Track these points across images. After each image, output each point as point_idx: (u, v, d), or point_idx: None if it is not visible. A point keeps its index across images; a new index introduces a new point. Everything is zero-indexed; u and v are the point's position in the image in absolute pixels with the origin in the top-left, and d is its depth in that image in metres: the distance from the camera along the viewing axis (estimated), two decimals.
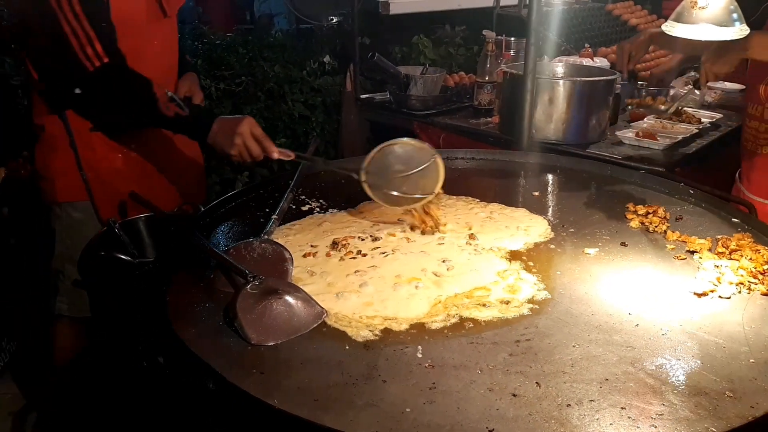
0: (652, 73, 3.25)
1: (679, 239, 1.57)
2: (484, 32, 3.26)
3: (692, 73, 3.53)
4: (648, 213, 1.69)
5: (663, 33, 2.16)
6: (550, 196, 1.93)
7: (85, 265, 1.63)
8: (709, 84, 3.28)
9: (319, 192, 1.87)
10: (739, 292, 1.33)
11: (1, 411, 2.10)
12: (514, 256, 1.49)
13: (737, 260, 1.44)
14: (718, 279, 1.36)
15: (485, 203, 1.79)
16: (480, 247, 1.52)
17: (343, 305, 1.26)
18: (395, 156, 1.67)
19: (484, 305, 1.26)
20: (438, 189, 1.66)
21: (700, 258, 1.47)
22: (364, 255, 1.47)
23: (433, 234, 1.58)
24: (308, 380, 1.04)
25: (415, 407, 0.97)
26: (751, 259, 1.43)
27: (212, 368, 1.03)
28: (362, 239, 1.54)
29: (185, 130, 1.95)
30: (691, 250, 1.51)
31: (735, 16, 2.03)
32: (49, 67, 1.93)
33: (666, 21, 2.14)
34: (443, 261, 1.44)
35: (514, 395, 1.00)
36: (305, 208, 1.77)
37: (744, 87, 2.80)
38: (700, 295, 1.32)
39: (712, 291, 1.33)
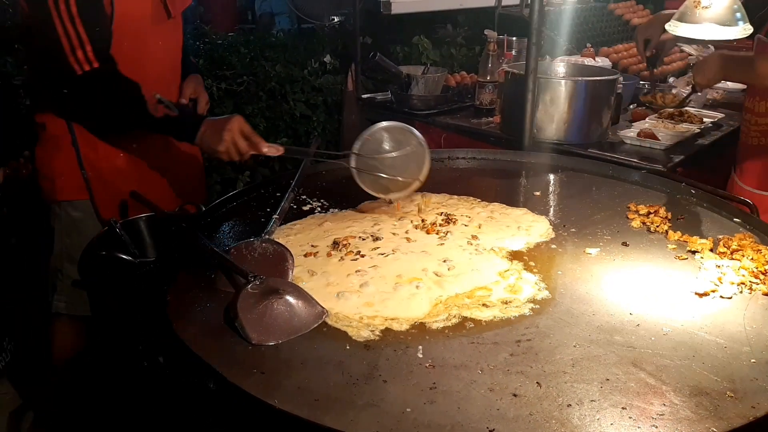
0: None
1: (681, 239, 1.56)
2: (486, 32, 3.25)
3: (692, 73, 3.52)
4: (649, 213, 1.69)
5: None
6: (551, 196, 1.93)
7: (85, 264, 1.63)
8: None
9: (320, 192, 1.87)
10: (741, 292, 1.33)
11: (2, 411, 2.10)
12: (515, 255, 1.49)
13: (739, 260, 1.44)
14: (720, 279, 1.36)
15: (486, 203, 1.79)
16: (481, 246, 1.52)
17: (344, 305, 1.26)
18: (385, 138, 1.73)
19: (485, 305, 1.26)
20: (424, 176, 1.72)
21: (702, 258, 1.47)
22: (365, 255, 1.46)
23: (430, 231, 1.60)
24: (309, 380, 1.04)
25: (416, 407, 0.97)
26: (752, 259, 1.43)
27: (213, 368, 1.03)
28: (363, 239, 1.54)
29: (174, 132, 1.95)
30: (693, 250, 1.51)
31: (738, 15, 2.03)
32: (40, 66, 1.93)
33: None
34: (444, 261, 1.44)
35: (515, 395, 1.00)
36: (306, 207, 1.77)
37: (746, 87, 2.80)
38: (701, 295, 1.32)
39: (713, 291, 1.33)
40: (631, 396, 1.00)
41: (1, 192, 2.52)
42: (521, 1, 3.88)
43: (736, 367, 1.08)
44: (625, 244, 1.55)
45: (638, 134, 2.66)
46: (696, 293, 1.32)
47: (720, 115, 3.00)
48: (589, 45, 3.86)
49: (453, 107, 3.22)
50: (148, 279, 1.30)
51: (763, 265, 1.40)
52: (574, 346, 1.14)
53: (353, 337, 1.16)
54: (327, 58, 3.84)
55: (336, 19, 4.44)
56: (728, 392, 1.01)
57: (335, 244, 1.50)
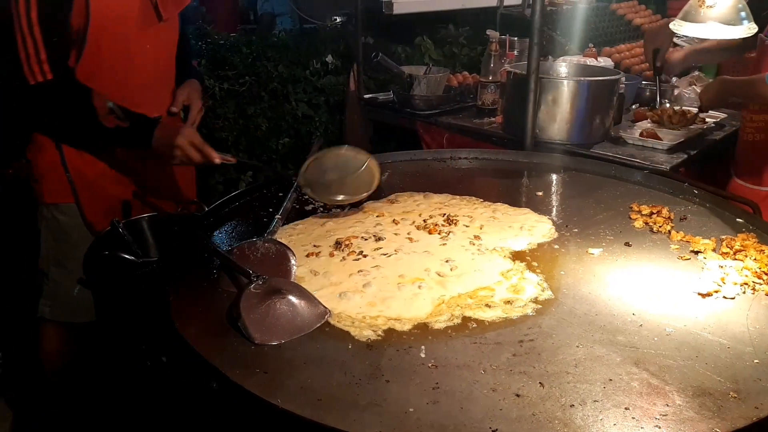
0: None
1: (684, 239, 1.56)
2: (488, 32, 3.25)
3: (696, 73, 3.52)
4: (652, 213, 1.69)
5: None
6: (553, 196, 1.93)
7: (88, 264, 1.63)
8: None
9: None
10: (744, 292, 1.33)
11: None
12: (517, 256, 1.48)
13: (742, 260, 1.43)
14: (723, 279, 1.36)
15: (489, 203, 1.79)
16: (484, 247, 1.52)
17: (347, 305, 1.26)
18: (330, 163, 1.80)
19: (487, 305, 1.26)
20: (374, 187, 1.78)
21: (705, 258, 1.46)
22: (367, 255, 1.46)
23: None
24: (311, 380, 1.04)
25: (419, 407, 0.97)
26: (755, 259, 1.42)
27: (215, 368, 1.03)
28: (365, 239, 1.54)
29: (125, 143, 1.93)
30: (696, 250, 1.50)
31: (743, 14, 2.03)
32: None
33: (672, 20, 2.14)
34: (447, 261, 1.43)
35: (518, 395, 1.00)
36: (309, 207, 1.77)
37: None
38: (704, 296, 1.31)
39: (716, 291, 1.32)
40: (634, 396, 1.00)
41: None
42: (523, 1, 3.89)
43: (740, 368, 1.08)
44: (627, 244, 1.55)
45: (641, 134, 2.66)
46: (699, 293, 1.32)
47: (722, 115, 2.99)
48: (591, 45, 3.86)
49: (455, 107, 3.22)
50: (151, 279, 1.31)
51: (766, 265, 1.40)
52: (577, 347, 1.13)
53: (356, 337, 1.16)
54: (329, 59, 3.84)
55: (338, 20, 4.44)
56: (731, 393, 1.01)
57: (338, 244, 1.50)
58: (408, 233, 1.59)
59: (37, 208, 2.04)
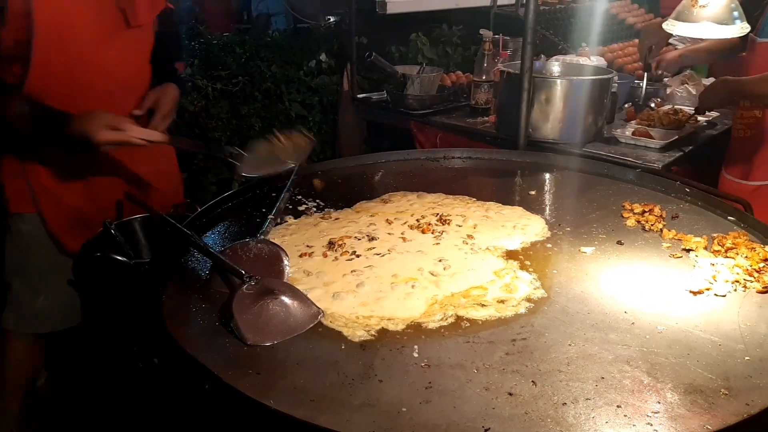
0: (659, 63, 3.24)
1: (675, 237, 1.57)
2: (481, 31, 3.26)
3: (687, 72, 3.53)
4: (644, 211, 1.70)
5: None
6: (546, 195, 1.93)
7: (80, 266, 1.62)
8: (704, 83, 3.32)
9: (315, 192, 1.87)
10: (735, 290, 1.34)
11: None
12: (510, 255, 1.49)
13: (733, 258, 1.44)
14: (714, 277, 1.37)
15: (482, 202, 1.79)
16: (477, 246, 1.52)
17: (340, 305, 1.26)
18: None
19: (481, 304, 1.26)
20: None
21: (696, 256, 1.47)
22: (360, 255, 1.46)
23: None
24: (304, 380, 1.04)
25: (412, 407, 0.97)
26: (746, 257, 1.43)
27: (208, 369, 1.03)
28: (358, 239, 1.54)
29: (51, 140, 1.85)
30: (687, 248, 1.51)
31: (736, 14, 2.04)
32: None
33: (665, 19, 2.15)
34: (440, 260, 1.44)
35: (510, 394, 1.00)
36: (301, 207, 1.77)
37: None
38: (695, 293, 1.32)
39: (707, 289, 1.33)
40: (626, 394, 1.00)
41: None
42: (516, 0, 3.90)
43: (731, 365, 1.08)
44: (620, 242, 1.55)
45: (633, 133, 2.67)
46: (690, 291, 1.33)
47: (715, 114, 3.01)
48: (584, 44, 3.87)
49: (448, 107, 3.23)
50: (144, 280, 1.30)
51: (757, 263, 1.41)
52: (569, 345, 1.14)
53: (349, 337, 1.16)
54: (323, 58, 3.84)
55: (331, 19, 4.44)
56: (723, 390, 1.01)
57: (331, 244, 1.50)
58: (401, 233, 1.59)
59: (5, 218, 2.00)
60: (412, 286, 1.32)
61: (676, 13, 2.16)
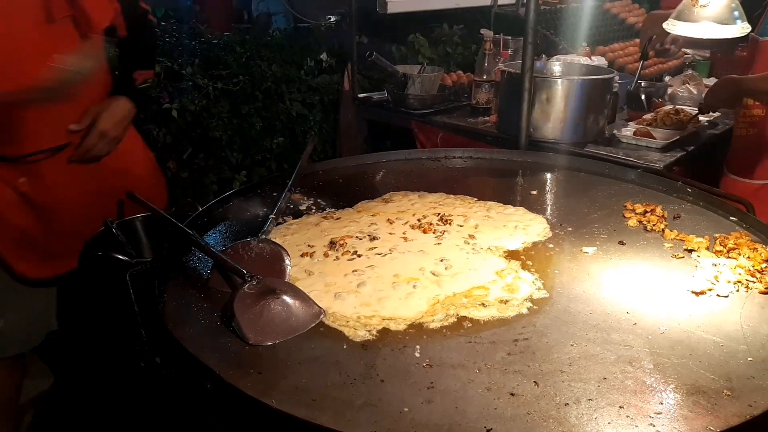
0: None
1: (677, 238, 1.57)
2: (482, 31, 3.27)
3: (689, 71, 3.53)
4: (646, 211, 1.69)
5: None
6: (548, 195, 1.93)
7: (82, 265, 1.62)
8: (705, 83, 3.31)
9: (316, 191, 1.87)
10: (737, 290, 1.33)
11: None
12: (512, 255, 1.48)
13: (735, 259, 1.44)
14: (716, 277, 1.36)
15: (483, 202, 1.79)
16: (478, 246, 1.52)
17: (341, 305, 1.26)
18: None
19: (482, 304, 1.26)
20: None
21: (698, 256, 1.47)
22: (362, 255, 1.46)
23: None
24: (306, 380, 1.03)
25: (413, 407, 0.97)
26: (748, 257, 1.43)
27: (210, 368, 1.03)
28: (360, 239, 1.54)
29: None
30: (689, 248, 1.51)
31: (736, 14, 2.04)
32: None
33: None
34: (441, 260, 1.43)
35: (513, 394, 1.00)
36: (303, 207, 1.77)
37: None
38: (698, 294, 1.32)
39: (710, 289, 1.33)
40: (629, 395, 1.00)
41: None
42: (517, 0, 3.90)
43: (733, 366, 1.08)
44: (621, 242, 1.55)
45: (634, 133, 2.67)
46: (693, 292, 1.32)
47: (716, 114, 3.01)
48: (585, 44, 3.87)
49: (449, 106, 3.23)
50: (145, 279, 1.30)
51: (759, 263, 1.40)
52: (572, 345, 1.14)
53: (350, 337, 1.16)
54: (323, 57, 3.84)
55: (332, 19, 4.44)
56: (725, 391, 1.01)
57: (332, 244, 1.50)
58: (403, 233, 1.59)
59: None
60: (414, 286, 1.32)
61: (677, 13, 2.16)
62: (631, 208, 1.73)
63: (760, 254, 1.43)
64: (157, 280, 1.29)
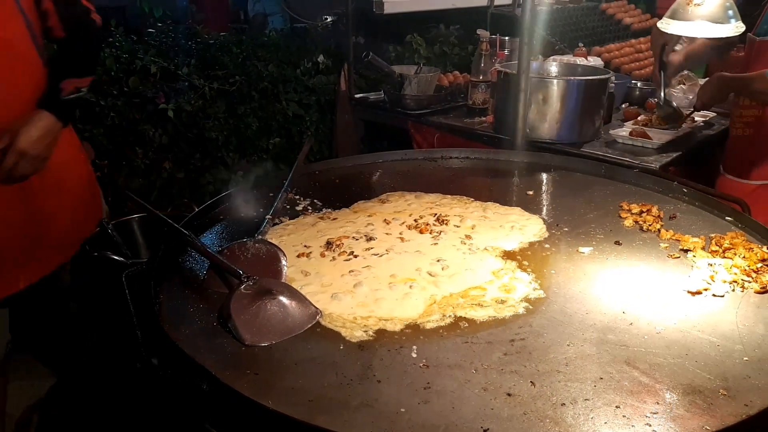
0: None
1: (673, 238, 1.57)
2: (479, 31, 3.26)
3: (685, 72, 3.54)
4: (642, 212, 1.70)
5: None
6: (544, 196, 1.93)
7: (77, 266, 1.62)
8: (701, 83, 3.32)
9: (313, 192, 1.87)
10: (733, 290, 1.34)
11: None
12: (508, 255, 1.49)
13: (731, 258, 1.44)
14: (712, 277, 1.37)
15: (480, 203, 1.79)
16: (475, 246, 1.52)
17: (338, 305, 1.25)
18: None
19: (479, 305, 1.26)
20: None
21: (694, 256, 1.47)
22: (358, 255, 1.46)
23: None
24: (302, 381, 1.03)
25: (410, 407, 0.97)
26: (744, 257, 1.43)
27: (206, 369, 1.03)
28: (356, 239, 1.54)
29: None
30: (685, 248, 1.51)
31: (731, 13, 2.04)
32: None
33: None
34: (438, 260, 1.43)
35: (509, 394, 1.00)
36: (299, 207, 1.76)
37: None
38: (693, 294, 1.32)
39: (705, 289, 1.33)
40: (625, 394, 1.00)
41: None
42: (513, 0, 3.90)
43: (729, 365, 1.08)
44: (617, 243, 1.55)
45: (630, 133, 2.68)
46: (688, 292, 1.33)
47: (711, 114, 3.01)
48: (581, 44, 3.87)
49: (446, 107, 3.23)
50: (141, 280, 1.30)
51: (754, 263, 1.41)
52: (568, 345, 1.14)
53: (347, 338, 1.16)
54: (320, 58, 3.84)
55: (329, 19, 4.43)
56: (721, 390, 1.01)
57: (328, 245, 1.50)
58: (399, 233, 1.59)
59: None
60: (410, 287, 1.32)
61: (671, 12, 2.17)
62: (627, 208, 1.73)
63: (756, 254, 1.44)
64: (153, 281, 1.29)
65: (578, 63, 3.32)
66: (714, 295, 1.32)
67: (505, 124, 2.63)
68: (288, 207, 1.75)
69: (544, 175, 2.09)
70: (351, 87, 3.50)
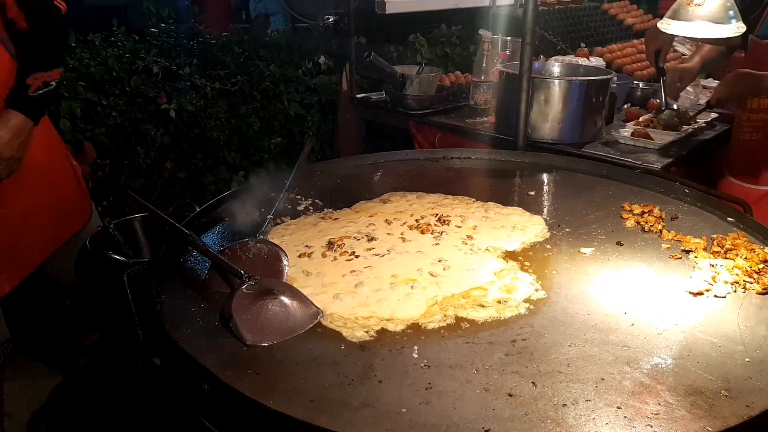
0: (672, 68, 3.15)
1: (675, 238, 1.57)
2: (480, 32, 3.26)
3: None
4: (643, 212, 1.70)
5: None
6: (546, 196, 1.93)
7: (79, 265, 1.62)
8: (703, 84, 3.31)
9: (314, 192, 1.87)
10: (735, 291, 1.33)
11: None
12: (510, 255, 1.49)
13: (732, 259, 1.44)
14: (714, 278, 1.37)
15: (481, 203, 1.79)
16: (476, 246, 1.52)
17: (339, 306, 1.25)
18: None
19: (480, 305, 1.26)
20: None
21: (696, 257, 1.47)
22: (360, 255, 1.46)
23: None
24: (304, 381, 1.03)
25: (411, 407, 0.97)
26: (746, 258, 1.43)
27: (207, 369, 1.03)
28: (358, 239, 1.54)
29: None
30: (687, 249, 1.51)
31: (731, 13, 2.03)
32: None
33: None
34: (439, 261, 1.43)
35: (510, 395, 1.00)
36: (301, 207, 1.76)
37: None
38: (695, 295, 1.32)
39: (707, 290, 1.33)
40: (626, 395, 1.00)
41: None
42: (515, 1, 3.90)
43: (731, 366, 1.08)
44: (619, 243, 1.55)
45: (632, 134, 2.67)
46: (690, 292, 1.33)
47: (713, 115, 3.01)
48: (583, 45, 3.87)
49: (448, 107, 3.23)
50: (143, 280, 1.30)
51: (756, 264, 1.41)
52: (569, 346, 1.14)
53: (348, 338, 1.16)
54: (321, 58, 3.84)
55: (330, 19, 4.43)
56: (723, 391, 1.01)
57: (330, 245, 1.50)
58: (401, 233, 1.58)
59: None
60: (412, 287, 1.32)
61: (672, 12, 2.16)
62: (629, 208, 1.73)
63: (758, 255, 1.44)
64: (154, 281, 1.29)
65: (580, 63, 3.32)
66: (716, 296, 1.31)
67: (506, 125, 2.63)
68: (289, 207, 1.75)
69: (546, 176, 2.09)
70: (353, 87, 3.50)
